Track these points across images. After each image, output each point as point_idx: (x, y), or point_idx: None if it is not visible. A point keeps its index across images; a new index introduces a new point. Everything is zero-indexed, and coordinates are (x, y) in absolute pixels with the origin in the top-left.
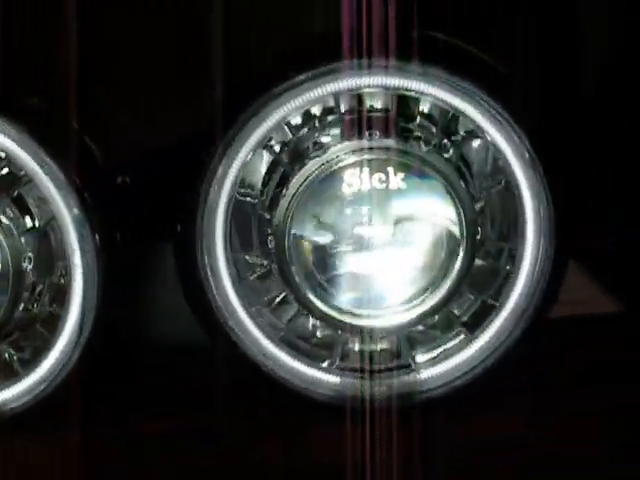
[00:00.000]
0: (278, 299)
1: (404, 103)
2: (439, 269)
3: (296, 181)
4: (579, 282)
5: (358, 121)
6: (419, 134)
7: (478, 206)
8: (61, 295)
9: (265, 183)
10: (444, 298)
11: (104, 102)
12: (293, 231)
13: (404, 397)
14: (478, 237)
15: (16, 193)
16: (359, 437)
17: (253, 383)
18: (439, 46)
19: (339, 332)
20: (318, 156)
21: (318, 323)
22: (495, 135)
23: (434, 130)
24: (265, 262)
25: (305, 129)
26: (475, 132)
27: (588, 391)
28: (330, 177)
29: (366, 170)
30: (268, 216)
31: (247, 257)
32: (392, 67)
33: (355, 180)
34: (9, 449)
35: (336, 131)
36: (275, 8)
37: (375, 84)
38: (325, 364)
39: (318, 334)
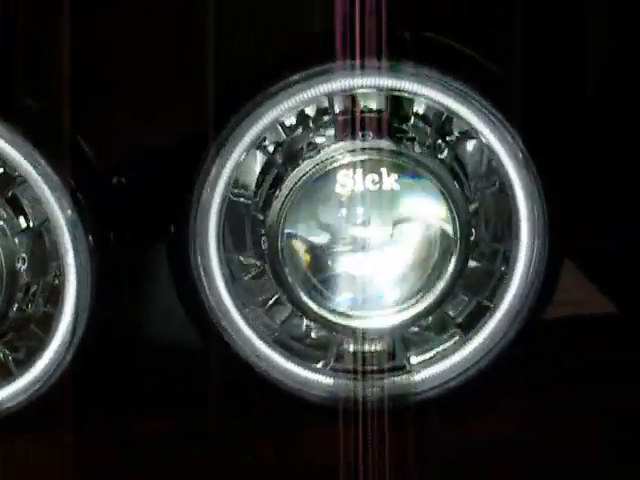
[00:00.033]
0: (272, 300)
1: (398, 104)
2: (433, 270)
3: (289, 182)
4: (574, 283)
5: (351, 122)
6: (413, 135)
7: (472, 207)
8: (55, 295)
9: (259, 184)
10: (438, 299)
11: (98, 103)
12: (286, 232)
13: (398, 398)
14: (472, 238)
15: (10, 193)
16: (352, 438)
17: (246, 384)
18: (432, 47)
19: (333, 333)
20: (311, 157)
21: (312, 324)
22: (489, 136)
23: (428, 131)
24: (259, 263)
25: (299, 130)
26: (469, 133)
27: (582, 392)
28: (323, 178)
29: (359, 171)
30: (261, 217)
31: (241, 258)
32: (385, 68)
33: (348, 181)
34: (3, 449)
35: (330, 132)
36: (268, 8)
37: (368, 85)
38: (320, 365)
39: (313, 335)
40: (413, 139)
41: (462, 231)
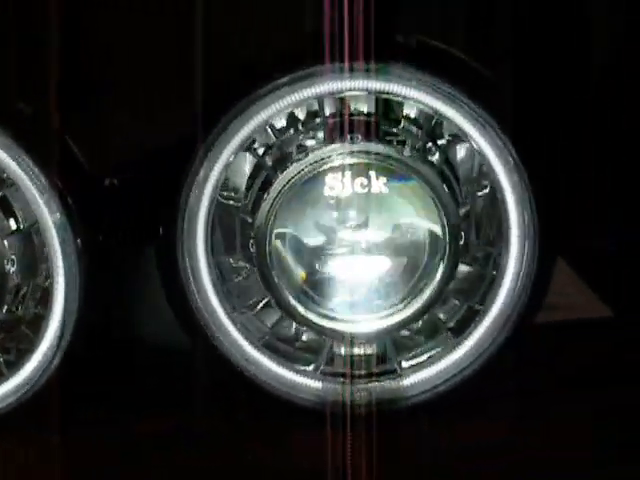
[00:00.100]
0: (262, 303)
1: (389, 107)
2: (421, 274)
3: (278, 184)
4: (565, 287)
5: (341, 125)
6: (403, 138)
7: (462, 211)
8: (46, 297)
9: (249, 186)
10: (426, 304)
11: (88, 106)
12: (274, 234)
13: (387, 402)
14: (461, 242)
15: (0, 195)
16: (340, 442)
17: (234, 387)
18: (422, 49)
19: (323, 337)
20: (300, 159)
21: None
22: (479, 139)
23: (419, 134)
24: (248, 265)
25: (289, 132)
26: (460, 136)
27: (573, 396)
28: (312, 181)
29: (348, 174)
30: (250, 219)
31: (230, 260)
32: (374, 70)
33: (337, 184)
34: None
35: (320, 134)
36: (258, 11)
37: (356, 87)
38: (310, 368)
39: (304, 338)
40: (403, 142)
41: (451, 235)
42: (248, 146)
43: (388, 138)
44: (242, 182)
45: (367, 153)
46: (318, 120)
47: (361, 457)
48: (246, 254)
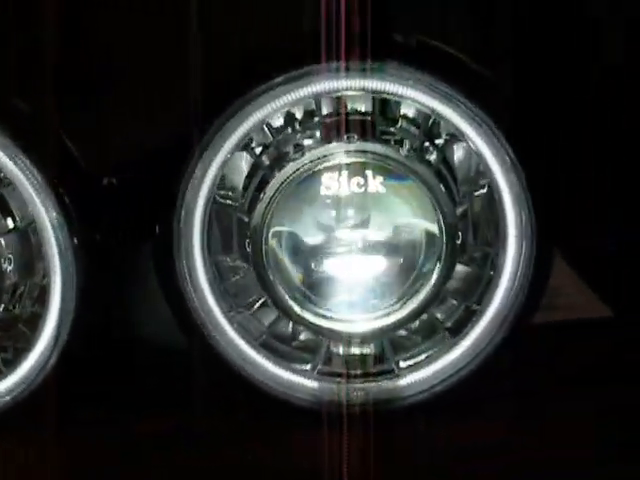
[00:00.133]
0: (259, 303)
1: (386, 106)
2: (418, 274)
3: (274, 184)
4: (563, 287)
5: (337, 124)
6: (400, 137)
7: (459, 210)
8: (43, 296)
9: (246, 185)
10: (423, 304)
11: (85, 104)
12: (270, 234)
13: (384, 402)
14: (458, 242)
15: None
16: (336, 442)
17: (231, 387)
18: (422, 49)
19: (320, 336)
20: (296, 159)
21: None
22: (476, 139)
23: (416, 133)
24: (245, 265)
25: (286, 131)
26: (458, 136)
27: (571, 396)
28: (308, 180)
29: (344, 173)
30: (247, 219)
31: (227, 260)
32: (370, 69)
33: (333, 183)
34: None
35: (317, 134)
36: (254, 10)
37: (353, 87)
38: (308, 368)
39: (301, 337)
40: (401, 141)
41: (448, 235)
42: (245, 145)
43: (385, 137)
44: (239, 181)
45: (364, 152)
46: (315, 119)
47: (357, 457)
48: (243, 253)
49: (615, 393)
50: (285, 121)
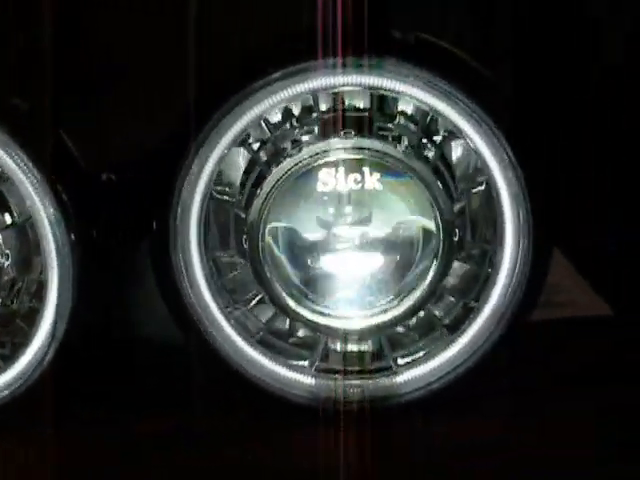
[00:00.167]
0: (256, 299)
1: (384, 103)
2: (415, 271)
3: (271, 180)
4: (561, 284)
5: (334, 120)
6: (398, 134)
7: (457, 207)
8: (41, 291)
9: (243, 181)
10: (420, 301)
11: (83, 102)
12: (267, 230)
13: (380, 399)
14: (456, 239)
15: None
16: (333, 439)
17: (228, 384)
18: (420, 46)
19: (317, 333)
20: (293, 155)
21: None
22: (474, 136)
23: (415, 130)
24: (242, 261)
25: (284, 128)
26: (456, 133)
27: (569, 394)
28: (305, 176)
29: (341, 170)
30: (244, 215)
31: (225, 256)
32: (367, 66)
33: (330, 180)
34: None
35: (315, 130)
36: (252, 6)
37: (350, 83)
38: (306, 364)
39: (299, 334)
40: (399, 138)
41: (445, 232)
42: (242, 141)
43: (383, 134)
44: (237, 177)
45: (361, 149)
46: (314, 115)
47: (354, 454)
48: (240, 250)
49: (613, 392)
50: (283, 117)
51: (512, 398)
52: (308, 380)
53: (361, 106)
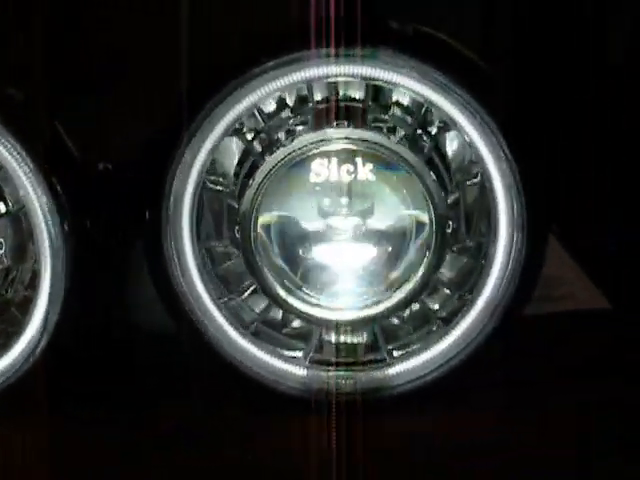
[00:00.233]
0: (250, 289)
1: (379, 93)
2: (407, 263)
3: (263, 170)
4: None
5: (327, 110)
6: (393, 125)
7: (451, 199)
8: (35, 280)
9: (237, 171)
10: (412, 293)
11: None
12: (259, 221)
13: (372, 391)
14: (449, 231)
15: None
16: (325, 430)
17: (220, 374)
18: (415, 36)
19: (310, 324)
20: (286, 145)
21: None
22: (468, 128)
23: (409, 121)
24: (235, 251)
25: (278, 117)
26: (450, 125)
27: (562, 387)
28: (297, 167)
29: (334, 160)
30: (236, 205)
31: (219, 246)
32: (361, 56)
33: (323, 170)
34: None
35: (310, 120)
36: None
37: (343, 73)
38: (300, 355)
39: (294, 324)
40: (393, 129)
41: (438, 224)
42: (236, 130)
43: (377, 125)
44: (230, 167)
45: (354, 139)
46: (309, 105)
47: (345, 445)
48: (234, 240)
49: (610, 385)
50: (277, 107)
51: (505, 391)
52: (300, 371)
53: (356, 97)
